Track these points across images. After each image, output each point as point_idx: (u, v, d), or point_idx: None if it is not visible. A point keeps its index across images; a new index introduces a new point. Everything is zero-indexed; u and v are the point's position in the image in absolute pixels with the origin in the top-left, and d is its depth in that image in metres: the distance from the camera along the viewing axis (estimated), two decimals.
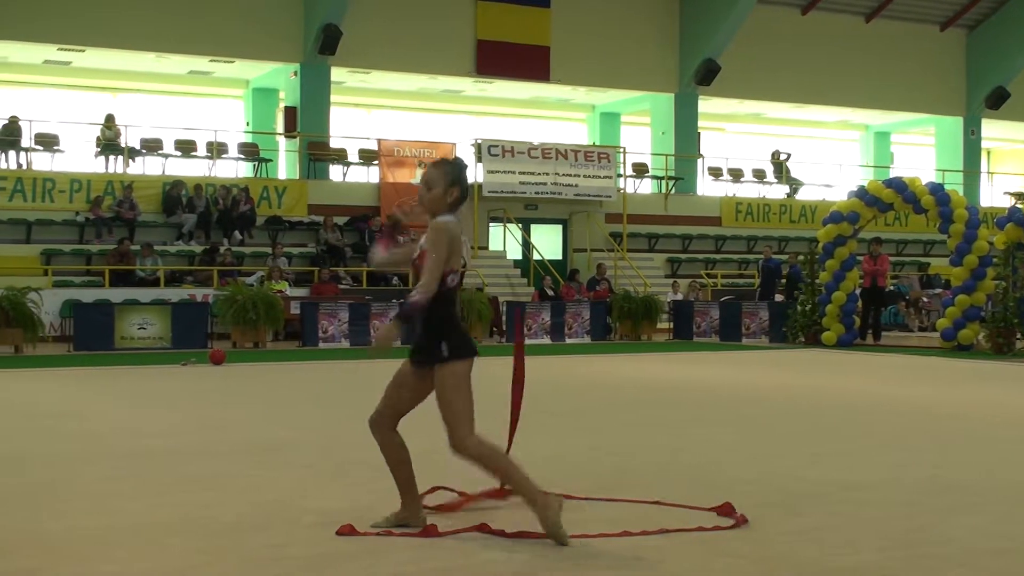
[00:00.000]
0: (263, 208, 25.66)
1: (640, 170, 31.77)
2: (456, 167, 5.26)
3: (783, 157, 33.53)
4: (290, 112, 28.12)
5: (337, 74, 28.44)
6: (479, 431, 5.11)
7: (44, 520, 5.42)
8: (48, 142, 25.56)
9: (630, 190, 30.73)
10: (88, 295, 20.79)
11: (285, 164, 28.74)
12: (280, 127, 29.02)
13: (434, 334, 5.09)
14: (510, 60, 29.60)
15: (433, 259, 5.02)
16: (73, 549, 4.85)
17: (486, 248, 27.93)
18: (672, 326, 23.98)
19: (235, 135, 28.62)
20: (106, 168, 25.69)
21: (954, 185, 30.67)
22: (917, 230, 32.09)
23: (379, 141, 28.02)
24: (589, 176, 28.22)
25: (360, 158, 28.20)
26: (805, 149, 34.60)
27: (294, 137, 27.93)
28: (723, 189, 32.95)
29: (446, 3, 29.08)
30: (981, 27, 35.31)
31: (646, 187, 31.82)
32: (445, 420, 5.07)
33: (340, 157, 28.12)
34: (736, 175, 33.08)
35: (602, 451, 7.74)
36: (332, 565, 4.63)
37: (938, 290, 26.97)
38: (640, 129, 34.10)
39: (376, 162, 27.75)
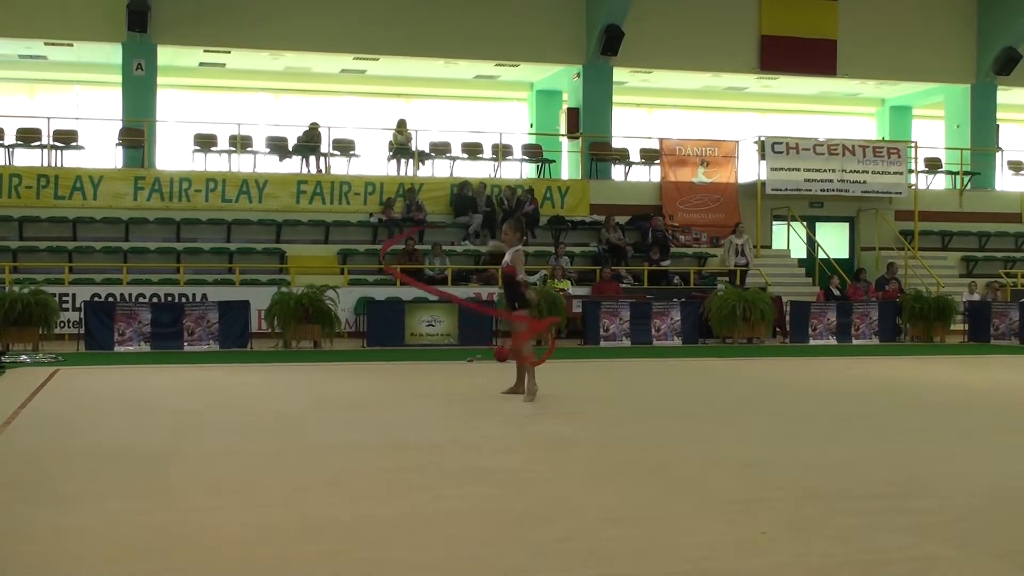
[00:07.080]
0: (546, 208, 26.09)
1: (933, 165, 30.48)
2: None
3: None
4: (573, 113, 28.49)
5: (619, 74, 28.59)
6: None
7: (340, 506, 5.68)
8: (344, 147, 26.80)
9: (922, 186, 29.53)
10: (380, 293, 21.64)
11: (568, 164, 29.13)
12: (563, 128, 29.44)
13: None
14: (795, 55, 29.02)
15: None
16: (371, 535, 5.05)
17: (769, 247, 27.45)
18: (967, 328, 22.91)
19: (519, 137, 29.20)
20: (397, 171, 26.72)
21: None
22: None
23: (661, 140, 28.01)
24: (878, 172, 27.30)
25: (641, 158, 28.24)
26: None
27: (576, 138, 28.27)
28: None
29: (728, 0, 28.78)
30: None
31: (939, 183, 30.48)
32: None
33: (622, 157, 28.26)
34: None
35: (894, 456, 7.44)
36: (614, 556, 4.65)
37: None
38: (933, 123, 32.73)
39: (657, 161, 27.76)
